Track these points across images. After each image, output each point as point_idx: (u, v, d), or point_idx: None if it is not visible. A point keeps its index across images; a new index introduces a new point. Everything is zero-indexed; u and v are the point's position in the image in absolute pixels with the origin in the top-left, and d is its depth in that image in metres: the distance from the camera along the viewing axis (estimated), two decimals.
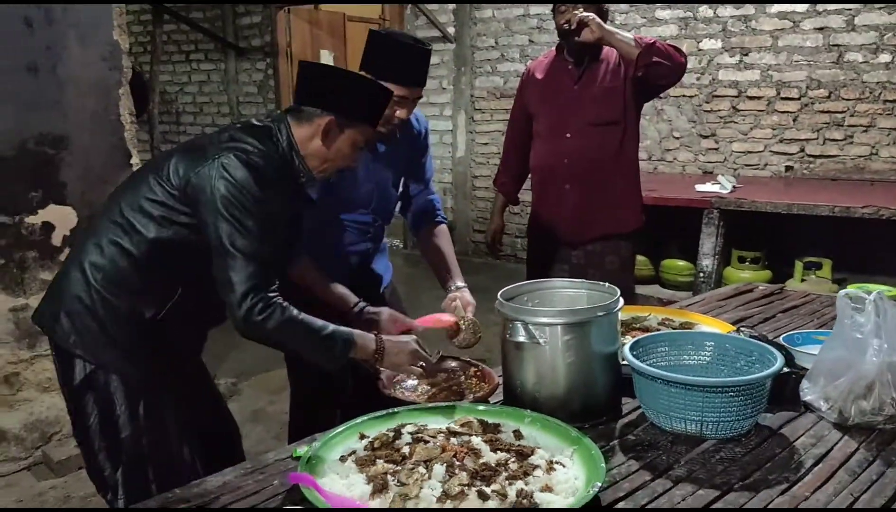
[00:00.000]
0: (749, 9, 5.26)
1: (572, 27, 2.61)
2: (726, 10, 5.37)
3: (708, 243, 4.34)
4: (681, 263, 4.65)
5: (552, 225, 2.92)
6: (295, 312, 1.67)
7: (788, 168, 5.24)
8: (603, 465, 1.34)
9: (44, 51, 2.85)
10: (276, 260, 1.72)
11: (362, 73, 2.01)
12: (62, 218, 2.95)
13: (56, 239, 2.98)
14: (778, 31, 5.17)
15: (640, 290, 4.73)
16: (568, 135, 2.82)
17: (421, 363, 1.85)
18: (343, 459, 1.43)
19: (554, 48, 2.93)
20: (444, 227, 2.41)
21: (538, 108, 2.91)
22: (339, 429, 1.52)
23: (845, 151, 5.01)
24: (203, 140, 1.78)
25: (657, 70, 2.59)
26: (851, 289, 3.92)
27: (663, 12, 5.69)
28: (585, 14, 2.58)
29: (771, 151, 5.32)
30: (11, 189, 2.86)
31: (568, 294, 1.85)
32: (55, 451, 3.04)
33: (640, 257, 4.83)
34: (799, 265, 4.15)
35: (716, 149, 5.58)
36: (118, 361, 1.71)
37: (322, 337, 1.69)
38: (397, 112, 2.08)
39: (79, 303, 1.69)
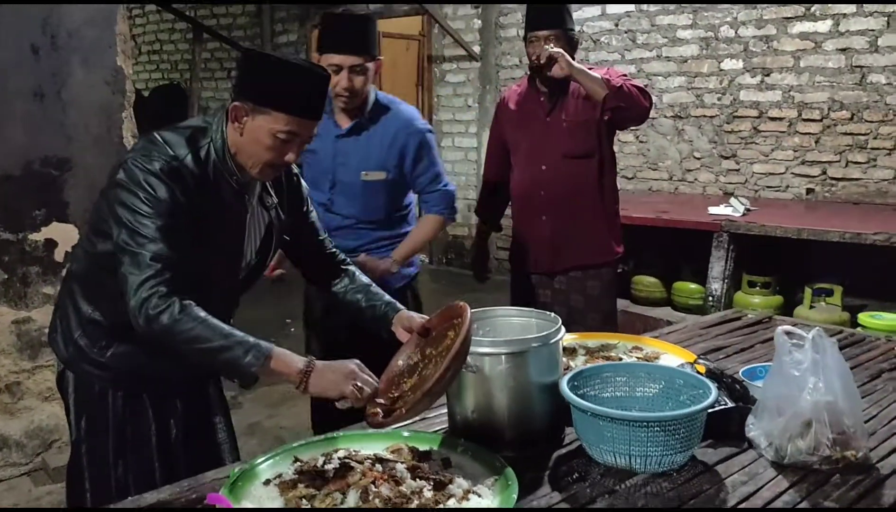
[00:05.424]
0: (771, 29, 5.19)
1: (541, 62, 2.59)
2: (748, 31, 5.30)
3: (717, 267, 4.27)
4: (692, 286, 4.57)
5: (531, 253, 2.91)
6: (199, 311, 1.50)
7: (810, 191, 5.13)
8: (514, 495, 1.35)
9: (49, 76, 2.98)
10: (186, 267, 1.56)
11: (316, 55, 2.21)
12: (64, 235, 3.07)
13: (58, 255, 3.10)
14: (800, 52, 5.09)
15: (651, 312, 4.67)
16: (543, 167, 2.81)
17: (359, 386, 1.50)
18: (268, 482, 1.46)
19: (526, 78, 2.91)
20: (429, 217, 2.54)
21: (513, 138, 2.90)
22: (272, 452, 1.56)
23: (868, 175, 4.88)
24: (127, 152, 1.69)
25: (622, 114, 2.65)
26: (863, 316, 3.81)
27: (685, 32, 5.65)
28: (555, 50, 2.56)
29: (792, 173, 5.21)
30: (17, 207, 2.98)
31: (516, 322, 1.86)
32: (54, 458, 3.16)
33: (651, 279, 4.78)
34: (808, 291, 4.04)
35: (737, 170, 5.50)
36: (74, 361, 1.76)
37: (228, 341, 1.49)
38: (340, 83, 2.23)
39: (60, 305, 1.82)
